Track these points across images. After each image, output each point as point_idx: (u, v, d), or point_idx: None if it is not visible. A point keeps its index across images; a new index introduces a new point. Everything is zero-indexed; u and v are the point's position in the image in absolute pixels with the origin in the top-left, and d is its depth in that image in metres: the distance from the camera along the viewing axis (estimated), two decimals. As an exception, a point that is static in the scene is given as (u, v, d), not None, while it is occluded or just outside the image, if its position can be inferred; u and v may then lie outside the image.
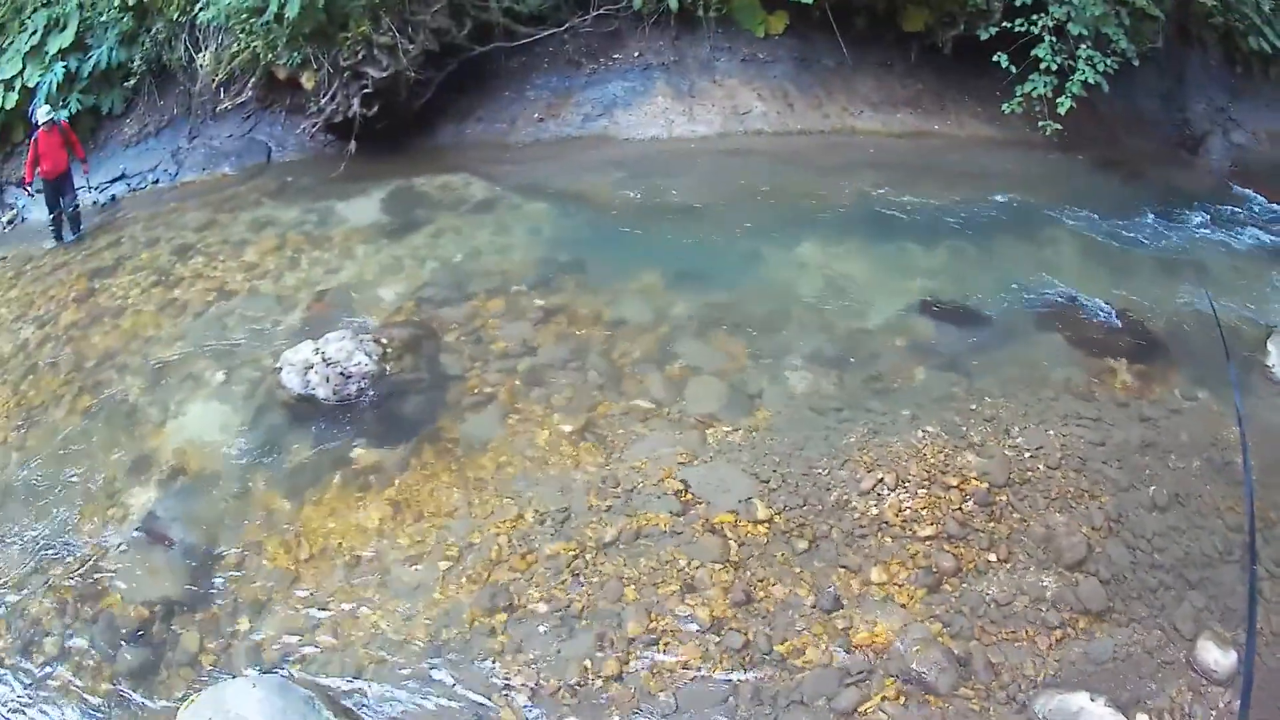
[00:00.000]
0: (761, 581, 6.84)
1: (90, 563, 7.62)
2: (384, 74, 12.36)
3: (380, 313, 9.66)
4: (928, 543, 7.12)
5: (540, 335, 9.10)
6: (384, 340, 9.00)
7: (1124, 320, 9.70)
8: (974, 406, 8.30)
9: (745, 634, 6.55)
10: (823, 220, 10.91)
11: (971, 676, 6.37)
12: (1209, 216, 12.10)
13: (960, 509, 7.37)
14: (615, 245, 10.46)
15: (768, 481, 7.49)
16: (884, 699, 6.23)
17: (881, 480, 7.53)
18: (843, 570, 6.92)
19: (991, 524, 7.30)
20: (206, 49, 13.41)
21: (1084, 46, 12.05)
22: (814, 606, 6.70)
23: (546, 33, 13.11)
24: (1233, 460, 8.13)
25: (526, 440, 8.02)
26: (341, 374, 8.57)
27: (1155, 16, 12.75)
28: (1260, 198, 12.97)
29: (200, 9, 12.90)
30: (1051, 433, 8.11)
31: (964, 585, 6.90)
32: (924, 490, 7.48)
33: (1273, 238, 11.93)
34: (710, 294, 9.50)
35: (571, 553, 7.10)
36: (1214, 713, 6.41)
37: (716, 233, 10.70)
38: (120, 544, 7.73)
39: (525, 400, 8.39)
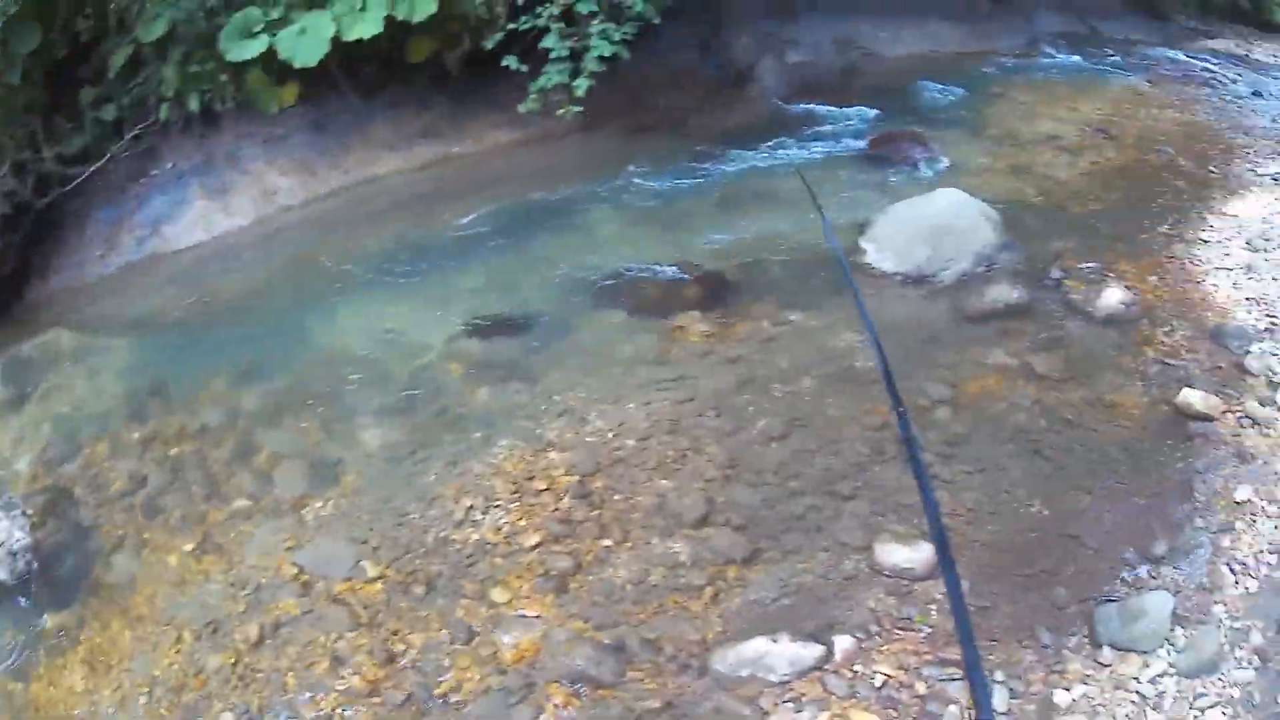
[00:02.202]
0: (397, 635, 6.68)
1: None
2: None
3: (20, 486, 9.12)
4: (536, 550, 7.02)
5: (144, 466, 8.74)
6: (30, 512, 8.54)
7: (689, 273, 9.85)
8: (544, 407, 8.29)
9: (402, 688, 6.37)
10: (359, 276, 10.86)
11: (633, 659, 6.27)
12: (766, 143, 12.51)
13: (558, 508, 7.30)
14: (183, 360, 10.11)
15: (368, 542, 7.35)
16: (555, 705, 6.10)
17: (471, 506, 7.44)
18: (465, 601, 6.78)
19: (595, 512, 7.23)
20: None
21: (596, 22, 12.00)
22: (454, 642, 6.56)
23: (94, 167, 12.66)
24: (850, 364, 8.46)
25: (162, 568, 7.75)
26: (9, 553, 8.13)
27: (670, -28, 12.69)
28: (822, 106, 13.69)
29: None
30: (631, 406, 8.14)
31: (590, 578, 6.82)
32: (515, 503, 7.41)
33: (839, 141, 12.59)
34: (273, 381, 9.34)
35: (230, 660, 6.85)
36: (933, 606, 6.56)
37: (265, 321, 10.49)
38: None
39: (150, 531, 8.08)
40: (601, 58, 11.91)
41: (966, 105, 14.62)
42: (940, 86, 15.08)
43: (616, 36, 11.98)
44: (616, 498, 7.35)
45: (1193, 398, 8.26)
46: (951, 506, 7.24)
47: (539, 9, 12.07)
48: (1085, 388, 8.47)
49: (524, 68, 12.17)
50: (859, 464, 7.57)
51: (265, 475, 8.31)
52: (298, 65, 11.66)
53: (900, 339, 8.85)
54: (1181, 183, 12.04)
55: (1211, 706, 6.04)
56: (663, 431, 7.87)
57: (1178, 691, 6.15)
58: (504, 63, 12.18)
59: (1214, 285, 9.90)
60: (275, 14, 11.72)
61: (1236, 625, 6.56)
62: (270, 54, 11.68)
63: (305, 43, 11.56)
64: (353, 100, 12.81)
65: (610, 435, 7.89)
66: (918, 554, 6.77)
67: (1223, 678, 6.21)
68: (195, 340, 10.53)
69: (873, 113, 13.82)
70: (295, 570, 7.33)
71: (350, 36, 11.50)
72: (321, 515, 7.74)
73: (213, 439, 8.87)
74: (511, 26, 12.20)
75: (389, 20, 11.52)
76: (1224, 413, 8.25)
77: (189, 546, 7.87)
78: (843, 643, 6.25)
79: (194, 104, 12.48)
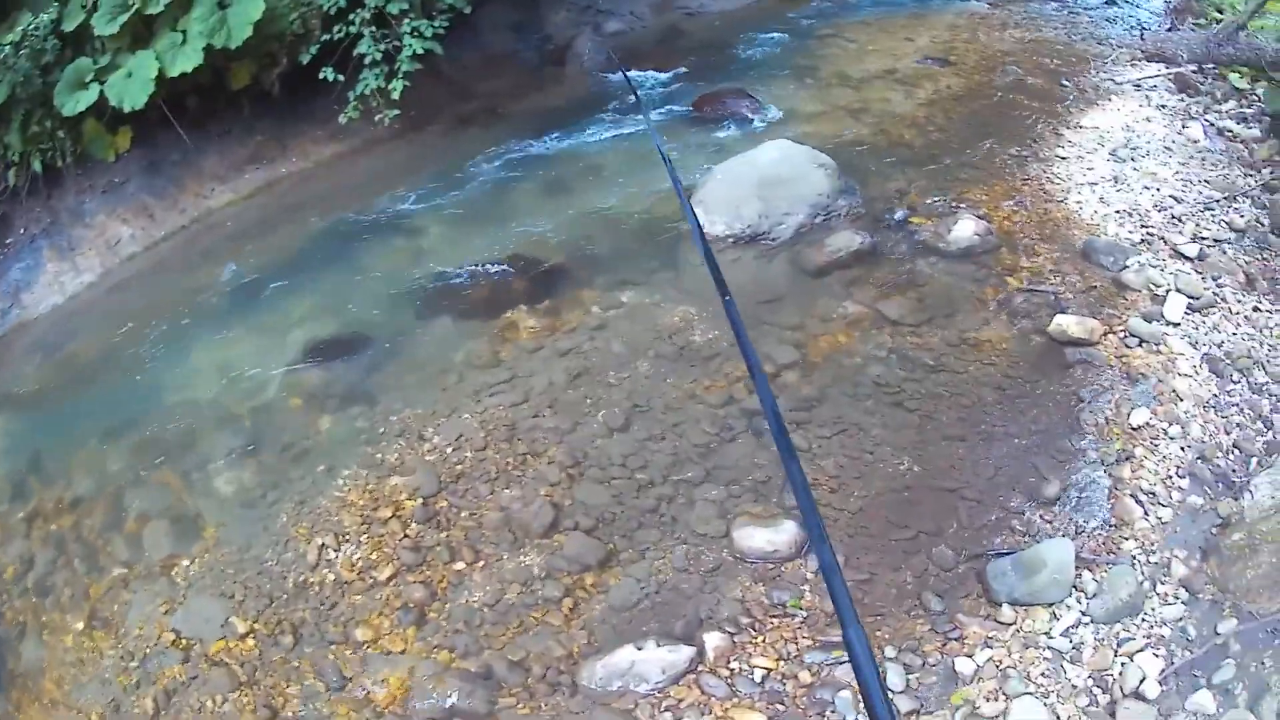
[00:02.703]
0: (275, 689, 6.64)
1: None
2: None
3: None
4: (391, 583, 6.98)
5: (32, 546, 8.68)
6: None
7: (514, 267, 9.80)
8: (382, 429, 8.21)
9: (287, 745, 6.32)
10: (199, 317, 10.67)
11: (503, 685, 6.22)
12: (588, 119, 12.45)
13: (406, 535, 7.25)
14: (55, 431, 10.00)
15: (234, 596, 7.29)
16: (433, 743, 6.04)
17: (323, 545, 7.38)
18: (333, 646, 6.74)
19: (443, 534, 7.20)
20: None
21: (407, 21, 11.93)
22: (329, 690, 6.52)
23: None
24: (685, 340, 8.39)
25: (63, 650, 7.70)
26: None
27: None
28: (643, 73, 13.54)
29: None
30: (466, 416, 8.12)
31: (447, 606, 6.77)
32: (365, 535, 7.35)
33: (663, 106, 12.59)
34: (130, 436, 9.25)
35: (133, 735, 6.79)
36: (805, 587, 6.46)
37: (120, 378, 10.37)
38: None
39: (46, 613, 8.04)
40: (415, 56, 11.86)
41: (795, 52, 14.41)
42: (766, 37, 14.92)
43: (429, 32, 11.93)
44: (463, 516, 7.31)
45: (1067, 323, 8.14)
46: (813, 476, 7.06)
47: (352, 15, 11.99)
48: (946, 328, 8.36)
49: (341, 78, 12.16)
50: (706, 445, 7.52)
51: (136, 538, 8.24)
52: (128, 109, 11.58)
53: (739, 305, 8.51)
54: (1033, 101, 11.97)
55: (1140, 650, 5.92)
56: (500, 439, 7.84)
57: (1097, 640, 6.01)
58: (321, 75, 12.16)
59: (1078, 202, 9.82)
60: (104, 61, 11.64)
61: (1154, 559, 6.46)
62: (102, 101, 11.61)
63: (132, 85, 11.48)
64: (183, 137, 12.66)
65: (449, 450, 7.85)
66: (779, 534, 6.68)
67: (1148, 618, 6.11)
68: (63, 408, 10.46)
69: (694, 72, 13.66)
70: (174, 636, 7.30)
71: (174, 72, 11.42)
72: (190, 574, 7.70)
73: (86, 508, 8.81)
74: (326, 38, 12.12)
75: (209, 50, 11.43)
76: (1105, 335, 8.14)
77: (80, 625, 7.83)
78: (714, 640, 6.17)
79: (37, 164, 12.37)
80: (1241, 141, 10.76)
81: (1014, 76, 12.61)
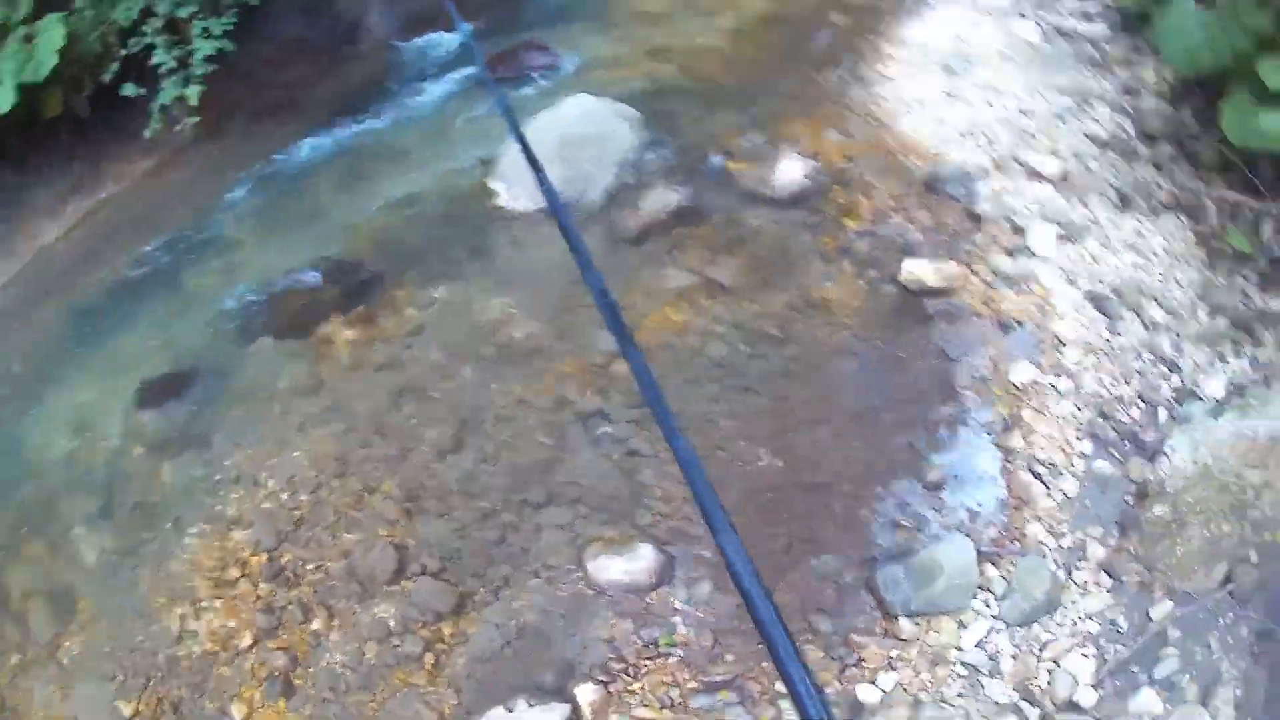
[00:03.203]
0: None
1: None
2: None
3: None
4: (253, 651, 6.78)
5: None
6: None
7: (325, 273, 9.37)
8: (218, 476, 7.85)
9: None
10: (46, 365, 10.30)
11: None
12: (381, 96, 12.12)
13: (258, 596, 7.03)
14: None
15: (115, 677, 7.13)
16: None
17: (182, 616, 7.19)
18: None
19: (294, 592, 6.96)
20: None
21: (197, 22, 11.77)
22: None
23: None
24: (506, 337, 8.07)
25: None
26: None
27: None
28: (434, 35, 12.81)
29: None
30: (296, 453, 7.66)
31: (311, 670, 6.56)
32: (219, 600, 7.13)
33: (455, 70, 12.05)
34: (5, 508, 8.85)
35: None
36: (677, 619, 6.16)
37: None
38: None
39: None
40: (208, 58, 11.69)
41: (593, -8, 13.28)
42: (563, -22, 13.91)
43: (218, 30, 11.79)
44: (309, 569, 7.08)
45: (920, 269, 7.64)
46: (660, 489, 6.78)
47: (144, 26, 11.84)
48: (786, 290, 7.88)
49: (143, 91, 11.98)
50: (544, 460, 7.19)
51: (22, 618, 8.03)
52: (-48, 158, 11.14)
53: (551, 292, 8.22)
54: (848, 17, 11.13)
55: (1067, 652, 5.57)
56: (332, 475, 7.45)
57: (1015, 646, 5.66)
58: (123, 92, 11.99)
59: (913, 126, 9.25)
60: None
61: (1065, 543, 6.13)
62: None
63: (-48, 139, 11.06)
64: (9, 178, 12.55)
65: (284, 496, 7.48)
66: (635, 562, 6.33)
67: (1069, 614, 5.74)
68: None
69: (490, 28, 12.64)
70: (74, 722, 7.06)
71: (-6, 115, 11.01)
72: (73, 655, 7.54)
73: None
74: (124, 53, 11.96)
75: (21, 87, 11.32)
76: (966, 279, 7.65)
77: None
78: (587, 694, 5.80)
79: None
80: (1089, 42, 10.11)
81: (827, -9, 11.71)
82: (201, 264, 10.56)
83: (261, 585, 7.14)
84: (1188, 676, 5.26)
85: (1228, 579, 5.65)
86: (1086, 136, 8.89)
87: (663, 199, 8.74)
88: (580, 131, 9.38)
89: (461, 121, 11.09)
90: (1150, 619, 5.53)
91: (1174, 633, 5.45)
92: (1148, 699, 5.23)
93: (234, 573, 7.29)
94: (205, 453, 8.14)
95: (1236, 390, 6.87)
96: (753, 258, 8.27)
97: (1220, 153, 8.22)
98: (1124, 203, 8.28)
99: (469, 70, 11.87)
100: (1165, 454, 6.27)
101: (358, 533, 7.06)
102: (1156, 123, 8.92)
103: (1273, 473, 5.94)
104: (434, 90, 12.00)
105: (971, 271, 7.77)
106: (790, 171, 8.71)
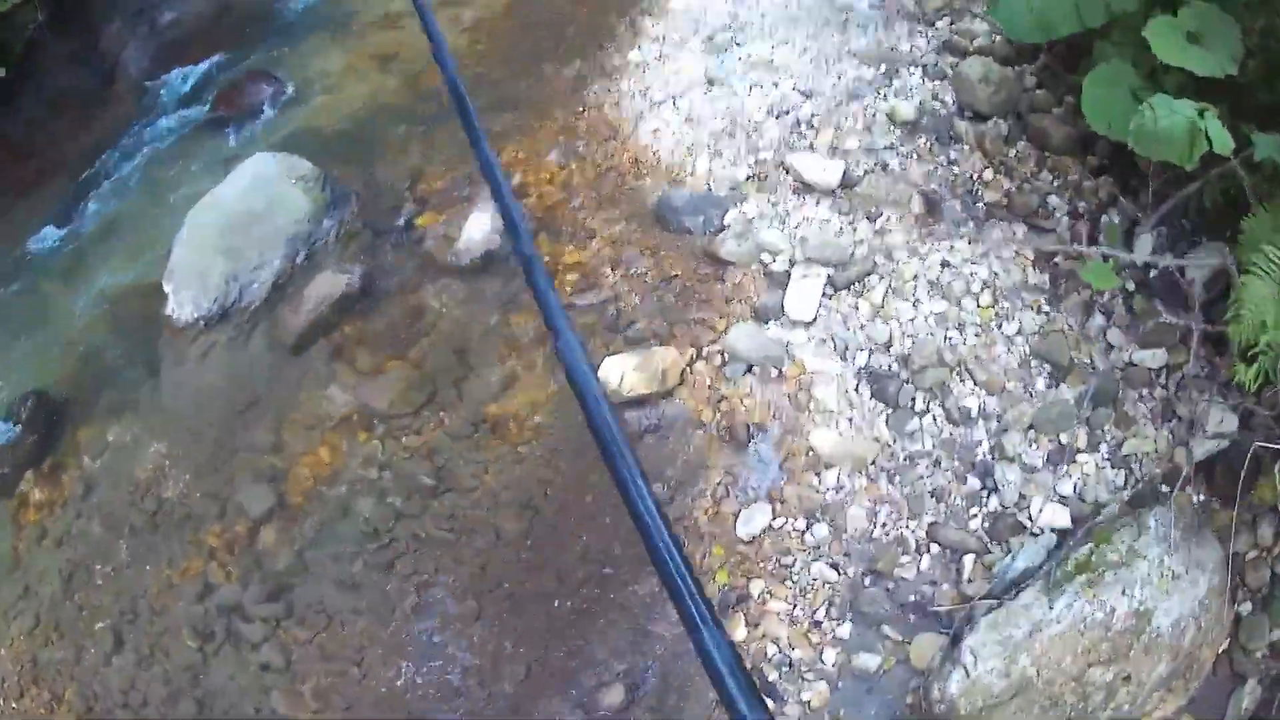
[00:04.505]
0: None
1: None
2: None
3: None
4: None
5: None
6: None
7: (28, 411, 7.61)
8: None
9: None
10: None
11: None
12: (119, 146, 10.36)
13: None
14: None
15: None
16: None
17: None
18: None
19: None
20: None
21: None
22: None
23: None
24: (160, 500, 6.86)
25: None
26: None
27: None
28: (176, 70, 11.11)
29: None
30: (2, 651, 6.40)
31: None
32: None
33: (187, 109, 10.42)
34: None
35: None
36: None
37: None
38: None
39: None
40: None
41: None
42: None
43: None
44: None
45: (620, 368, 5.97)
46: None
47: None
48: (454, 407, 6.60)
49: None
50: (192, 666, 6.07)
51: None
52: None
53: (207, 433, 6.91)
54: None
55: None
56: (27, 681, 6.30)
57: None
58: None
59: (654, 131, 7.54)
60: None
61: None
62: None
63: None
64: None
65: None
66: None
67: None
68: None
69: (234, 57, 10.84)
70: None
71: None
72: None
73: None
74: None
75: None
76: (689, 370, 6.01)
77: None
78: None
79: None
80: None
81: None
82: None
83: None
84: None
85: None
86: (887, 118, 7.01)
87: (329, 285, 7.32)
88: (247, 207, 7.83)
89: (168, 181, 9.25)
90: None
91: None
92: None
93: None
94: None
95: (1090, 511, 5.13)
96: (421, 362, 6.82)
97: (1075, 129, 6.32)
98: (932, 213, 6.42)
99: (188, 111, 10.29)
100: (963, 657, 4.56)
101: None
102: (985, 91, 6.92)
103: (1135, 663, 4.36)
104: (163, 134, 10.24)
105: (699, 356, 6.09)
106: (480, 225, 7.10)
